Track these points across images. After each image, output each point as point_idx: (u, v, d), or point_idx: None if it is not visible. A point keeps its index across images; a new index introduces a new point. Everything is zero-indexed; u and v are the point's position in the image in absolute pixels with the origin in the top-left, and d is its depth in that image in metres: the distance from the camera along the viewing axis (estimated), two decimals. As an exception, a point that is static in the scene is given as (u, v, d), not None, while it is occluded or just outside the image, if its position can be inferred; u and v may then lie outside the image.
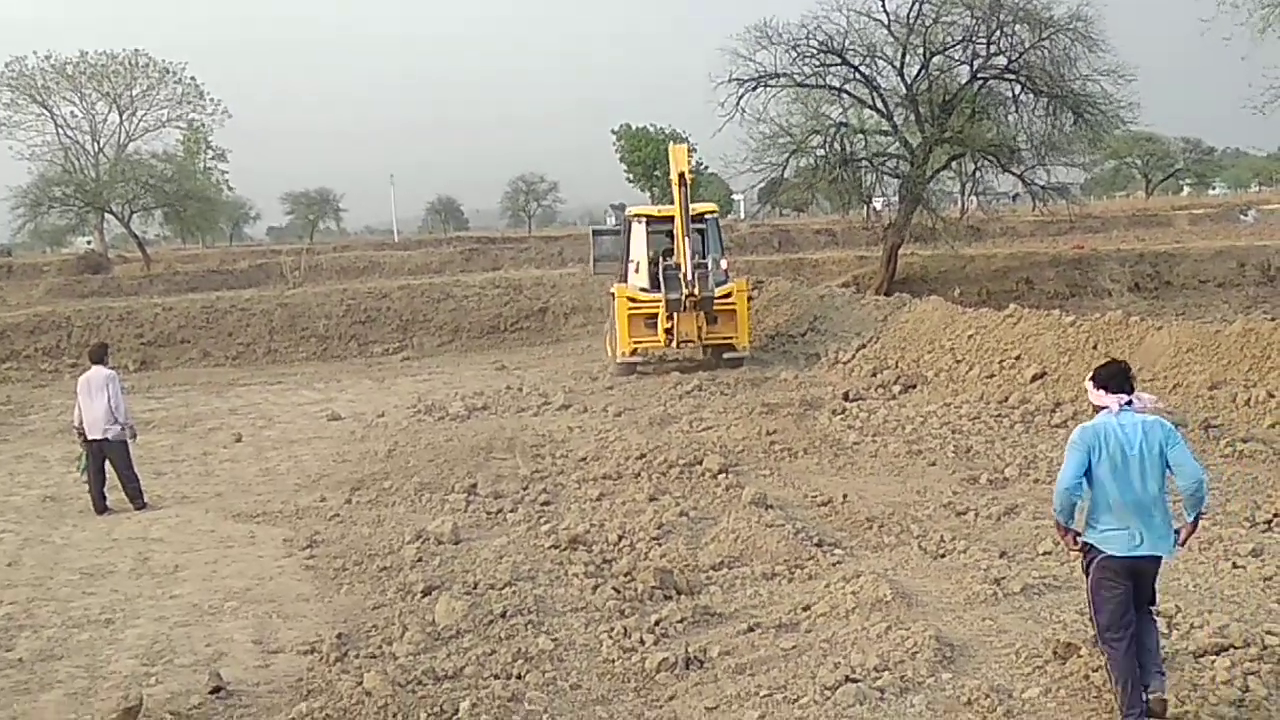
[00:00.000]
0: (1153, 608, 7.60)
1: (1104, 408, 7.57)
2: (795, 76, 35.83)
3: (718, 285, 25.88)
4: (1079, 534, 7.57)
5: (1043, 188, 37.26)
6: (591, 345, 33.15)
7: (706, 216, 27.41)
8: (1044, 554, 11.02)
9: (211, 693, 9.08)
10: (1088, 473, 7.40)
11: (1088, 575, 7.55)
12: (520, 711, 8.11)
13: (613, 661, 9.17)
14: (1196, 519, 7.58)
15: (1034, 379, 19.84)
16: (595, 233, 31.71)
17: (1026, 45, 34.56)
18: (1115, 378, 7.59)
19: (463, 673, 9.07)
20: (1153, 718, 7.20)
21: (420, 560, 12.38)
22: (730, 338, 26.51)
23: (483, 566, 11.93)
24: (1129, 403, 7.54)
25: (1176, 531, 7.53)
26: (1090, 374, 7.79)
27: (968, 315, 24.70)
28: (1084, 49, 33.95)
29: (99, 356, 16.85)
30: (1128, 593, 7.33)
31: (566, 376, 26.92)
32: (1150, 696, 7.22)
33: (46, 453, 20.93)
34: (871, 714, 7.56)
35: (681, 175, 24.73)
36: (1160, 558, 7.50)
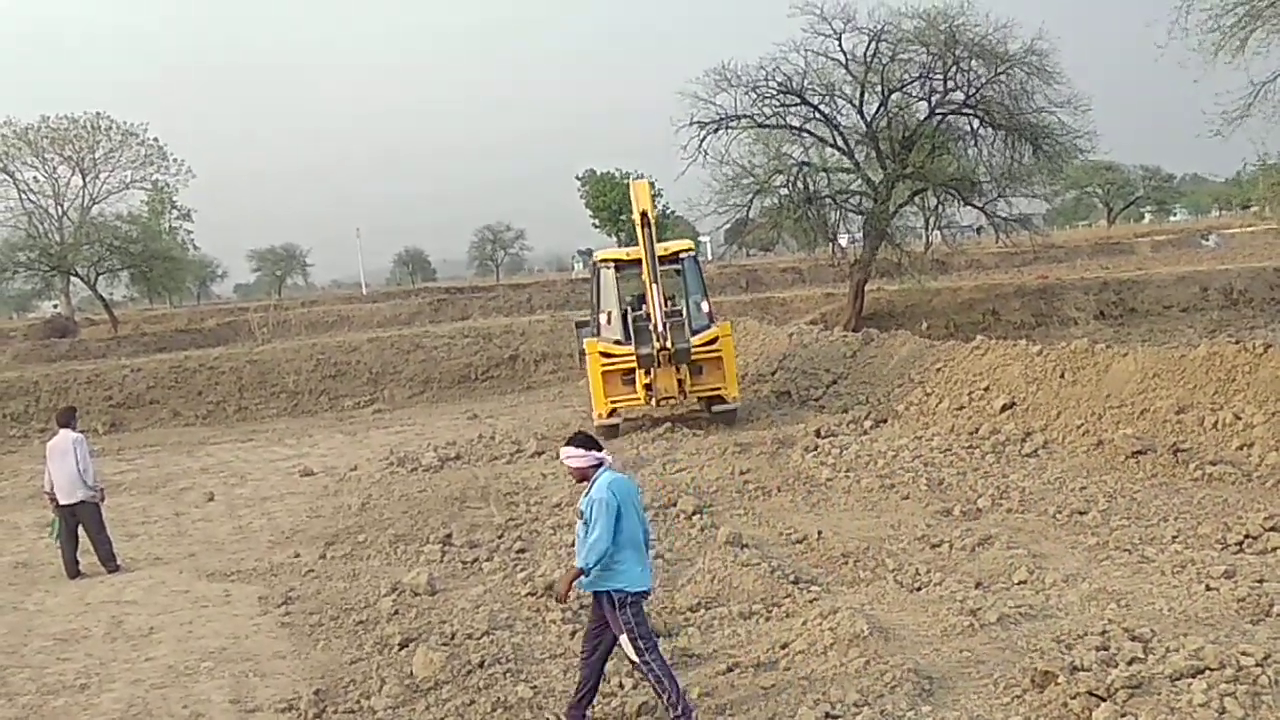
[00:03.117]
0: None
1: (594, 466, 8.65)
2: (756, 118, 36.18)
3: (700, 330, 23.44)
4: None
5: (1005, 219, 37.70)
6: (563, 391, 33.21)
7: (682, 255, 24.85)
8: (1019, 583, 11.06)
9: (189, 754, 9.02)
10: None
11: (620, 610, 8.46)
12: (501, 761, 8.08)
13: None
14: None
15: (1003, 409, 19.94)
16: (578, 325, 27.83)
17: (983, 80, 35.07)
18: (590, 440, 8.73)
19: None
20: None
21: (397, 613, 12.32)
22: (718, 388, 23.69)
23: (460, 616, 11.89)
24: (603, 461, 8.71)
25: None
26: (569, 442, 8.78)
27: (936, 348, 24.82)
28: (1040, 82, 34.58)
29: (66, 420, 16.75)
30: None
31: (539, 423, 26.83)
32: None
33: (17, 519, 20.75)
34: (852, 750, 7.57)
35: (644, 214, 22.23)
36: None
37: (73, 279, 65.01)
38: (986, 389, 21.03)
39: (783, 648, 9.80)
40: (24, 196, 67.21)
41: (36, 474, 21.87)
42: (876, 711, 8.00)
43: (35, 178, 67.56)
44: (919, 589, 11.34)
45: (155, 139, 69.13)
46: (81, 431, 16.91)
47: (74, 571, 15.96)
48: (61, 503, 16.04)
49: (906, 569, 12.02)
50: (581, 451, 8.62)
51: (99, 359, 44.44)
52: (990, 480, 16.03)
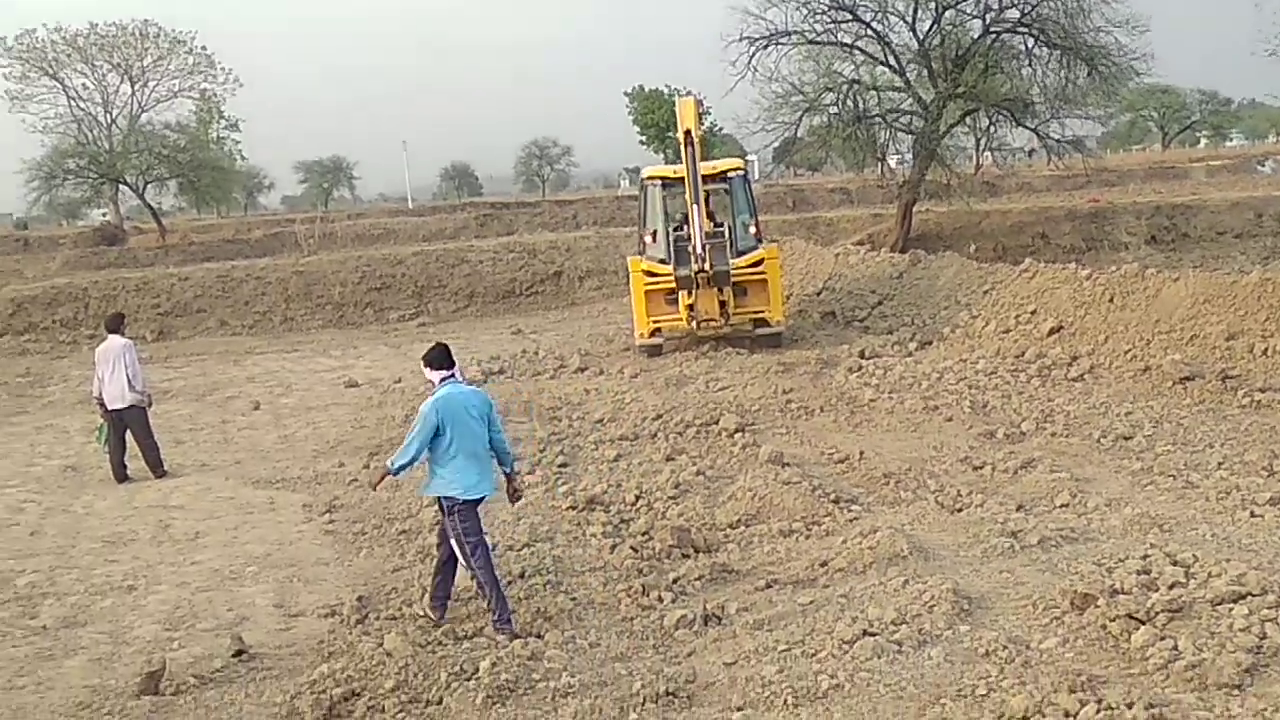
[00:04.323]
0: None
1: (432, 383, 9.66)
2: (806, 34, 35.54)
3: (746, 251, 23.06)
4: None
5: (1058, 141, 37.00)
6: (607, 309, 33.14)
7: (730, 175, 24.19)
8: (1061, 507, 11.02)
9: (234, 656, 9.20)
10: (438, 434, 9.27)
11: (449, 516, 9.36)
12: (540, 670, 8.16)
13: (631, 619, 9.24)
14: (512, 471, 10.01)
15: (1050, 333, 19.78)
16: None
17: (1039, -2, 34.31)
18: (439, 358, 9.73)
19: (482, 632, 9.17)
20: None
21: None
22: (761, 311, 23.24)
23: (501, 528, 12.00)
24: (451, 376, 9.66)
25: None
26: (423, 356, 9.88)
27: (983, 271, 24.63)
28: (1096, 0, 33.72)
29: (115, 326, 16.90)
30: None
31: (582, 339, 26.85)
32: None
33: (66, 423, 21.02)
34: (890, 667, 7.59)
35: (688, 133, 21.51)
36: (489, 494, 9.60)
37: (121, 187, 65.18)
38: (1033, 313, 20.87)
39: (822, 565, 9.83)
40: (73, 104, 67.27)
41: (85, 380, 22.11)
42: (914, 630, 8.01)
43: (84, 85, 67.56)
44: (960, 510, 11.33)
45: (204, 47, 68.82)
46: (130, 338, 17.04)
47: (122, 476, 16.19)
48: (110, 408, 16.23)
49: (948, 490, 12.02)
50: (426, 369, 9.79)
51: (147, 267, 44.69)
52: (1035, 404, 15.93)
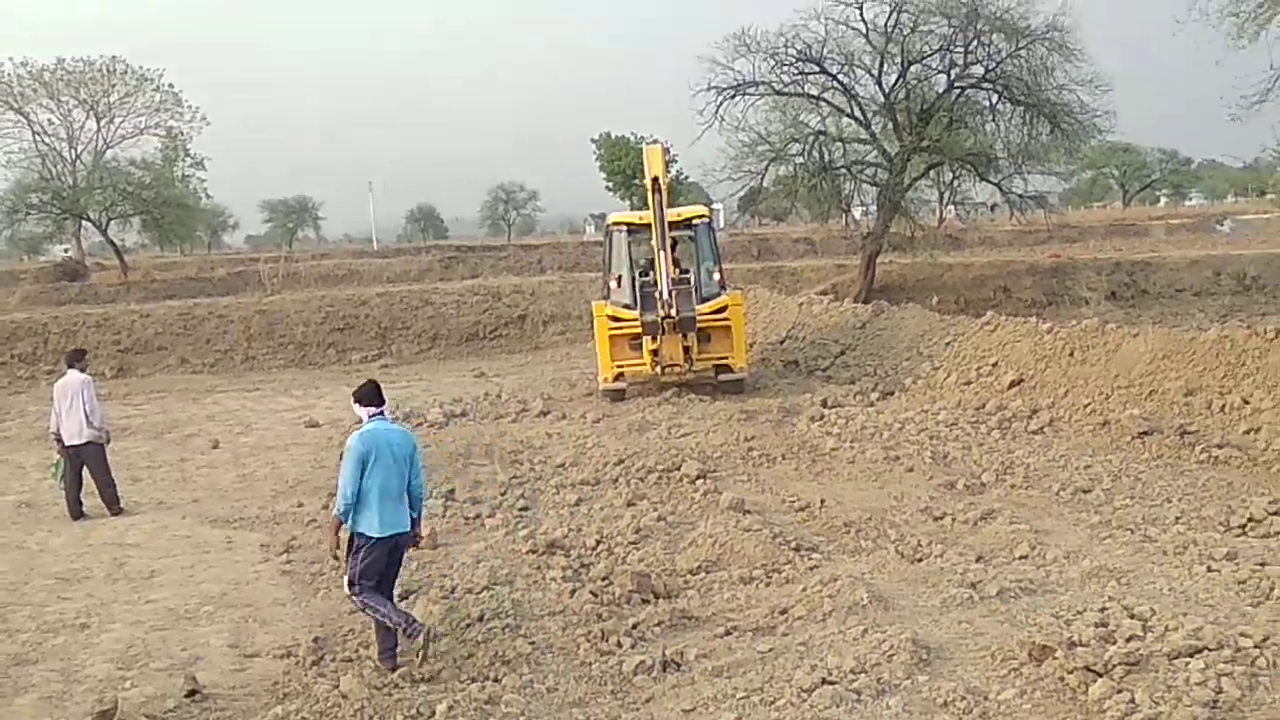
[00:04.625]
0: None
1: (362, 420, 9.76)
2: (774, 85, 35.95)
3: (710, 298, 23.30)
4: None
5: (1020, 196, 37.43)
6: (570, 353, 33.17)
7: (696, 222, 24.49)
8: (1020, 558, 11.06)
9: (187, 696, 9.10)
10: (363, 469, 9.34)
11: (353, 552, 9.43)
12: (497, 714, 8.12)
13: (590, 664, 9.18)
14: (419, 517, 9.95)
15: (1011, 385, 19.92)
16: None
17: (1003, 55, 34.82)
18: (369, 395, 9.82)
19: (440, 675, 9.12)
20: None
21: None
22: (725, 357, 23.52)
23: (460, 571, 11.95)
24: (380, 413, 9.79)
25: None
26: (353, 393, 10.01)
27: (945, 323, 24.80)
28: (1060, 58, 34.23)
29: (74, 361, 16.76)
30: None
31: (545, 383, 26.86)
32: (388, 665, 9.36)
33: (22, 459, 20.81)
34: (848, 716, 7.56)
35: (655, 180, 21.75)
36: (407, 534, 9.71)
37: (84, 223, 64.90)
38: (995, 365, 21.01)
39: (782, 613, 9.81)
40: (38, 138, 66.95)
41: (42, 415, 21.95)
42: (873, 679, 7.99)
43: (50, 120, 67.29)
44: (920, 560, 11.35)
45: (170, 85, 68.81)
46: (90, 375, 16.91)
47: (77, 512, 16.04)
48: (67, 443, 16.09)
49: (908, 540, 12.04)
50: (356, 406, 9.89)
51: (108, 304, 44.41)
52: (995, 455, 16.02)
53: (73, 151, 67.30)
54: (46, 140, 66.71)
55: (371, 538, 9.34)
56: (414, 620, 9.45)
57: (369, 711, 8.17)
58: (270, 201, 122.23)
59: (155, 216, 63.99)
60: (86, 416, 16.04)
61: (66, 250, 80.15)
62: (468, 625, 10.20)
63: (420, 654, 9.22)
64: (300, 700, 8.61)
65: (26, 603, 12.16)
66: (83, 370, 16.55)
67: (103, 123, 67.55)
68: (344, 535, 9.53)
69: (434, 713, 8.06)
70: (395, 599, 9.91)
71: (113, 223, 64.70)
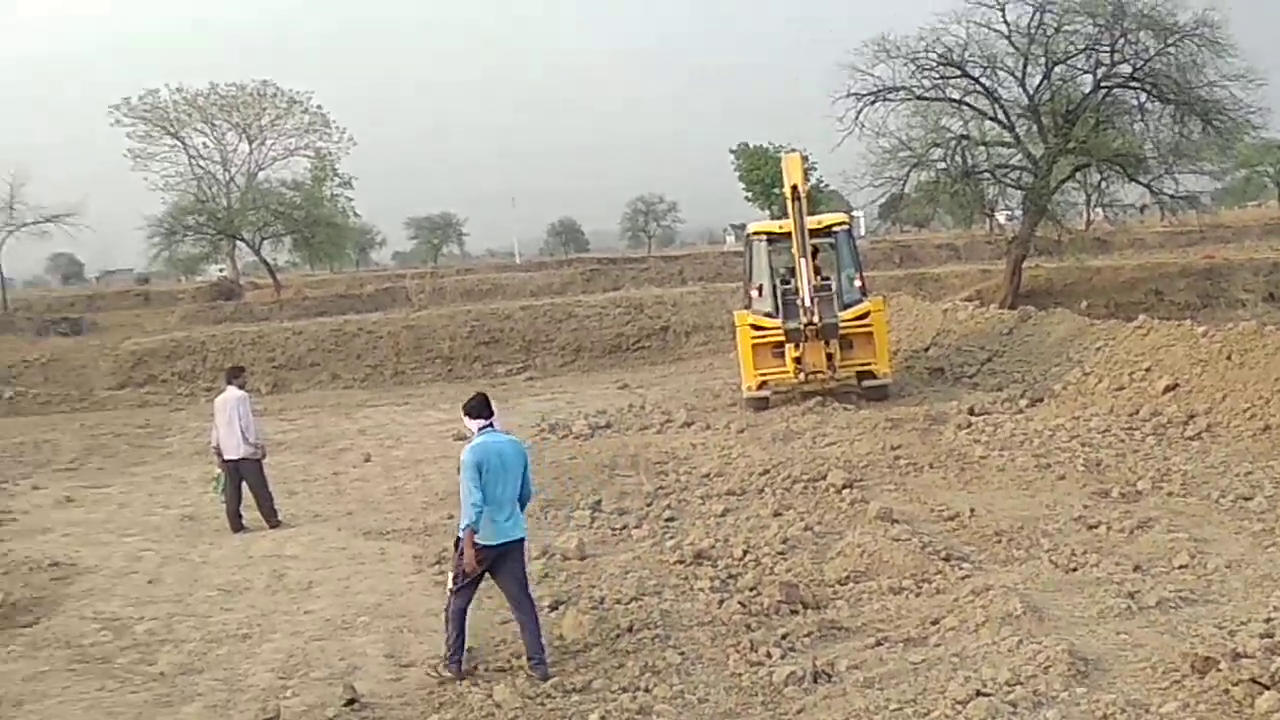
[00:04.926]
0: None
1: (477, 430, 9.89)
2: (915, 89, 35.66)
3: (851, 304, 23.20)
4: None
5: (1171, 197, 36.49)
6: (713, 364, 33.16)
7: (836, 229, 24.50)
8: (1180, 568, 10.76)
9: (346, 705, 9.29)
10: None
11: (459, 552, 9.70)
12: (649, 724, 8.14)
13: (740, 675, 9.16)
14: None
15: (1166, 390, 19.39)
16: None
17: (1151, 53, 34.04)
18: (478, 408, 9.96)
19: (591, 686, 9.17)
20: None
21: (547, 575, 12.48)
22: (868, 363, 23.35)
23: (609, 582, 12.00)
24: (489, 425, 9.92)
25: None
26: (463, 406, 10.22)
27: (1096, 327, 24.30)
28: (1211, 54, 33.29)
29: (232, 378, 17.25)
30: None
31: (689, 394, 26.89)
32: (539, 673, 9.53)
33: (184, 473, 21.49)
34: (1004, 728, 7.45)
35: (794, 188, 21.94)
36: (523, 540, 10.02)
37: (238, 243, 66.85)
38: (1148, 370, 20.49)
39: (933, 624, 9.70)
40: (194, 162, 69.21)
41: (202, 431, 22.63)
42: (1029, 691, 7.86)
43: (204, 144, 69.52)
44: (1074, 570, 11.10)
45: (319, 106, 70.59)
46: (247, 391, 17.35)
47: (237, 525, 16.48)
48: (226, 458, 16.56)
49: (1062, 549, 11.77)
50: (466, 419, 10.06)
51: (262, 321, 45.69)
52: (1150, 462, 15.60)
53: (226, 174, 69.48)
54: (201, 163, 68.94)
55: (478, 545, 9.61)
56: (459, 659, 9.78)
57: (522, 720, 8.26)
58: (415, 219, 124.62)
59: (306, 235, 65.72)
60: (242, 433, 16.50)
61: (221, 270, 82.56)
62: (617, 636, 10.26)
63: (438, 674, 9.77)
64: (455, 709, 8.76)
65: (191, 613, 12.55)
66: (241, 387, 17.00)
67: (254, 145, 69.66)
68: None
69: (586, 722, 8.12)
70: (534, 603, 10.20)
71: (265, 242, 66.59)
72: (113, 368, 35.32)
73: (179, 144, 68.71)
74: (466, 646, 10.30)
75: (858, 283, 24.04)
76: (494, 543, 9.67)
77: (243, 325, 43.17)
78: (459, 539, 9.68)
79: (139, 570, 14.60)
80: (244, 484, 16.65)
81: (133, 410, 31.87)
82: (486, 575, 9.90)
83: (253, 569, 14.31)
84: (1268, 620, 8.46)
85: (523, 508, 10.08)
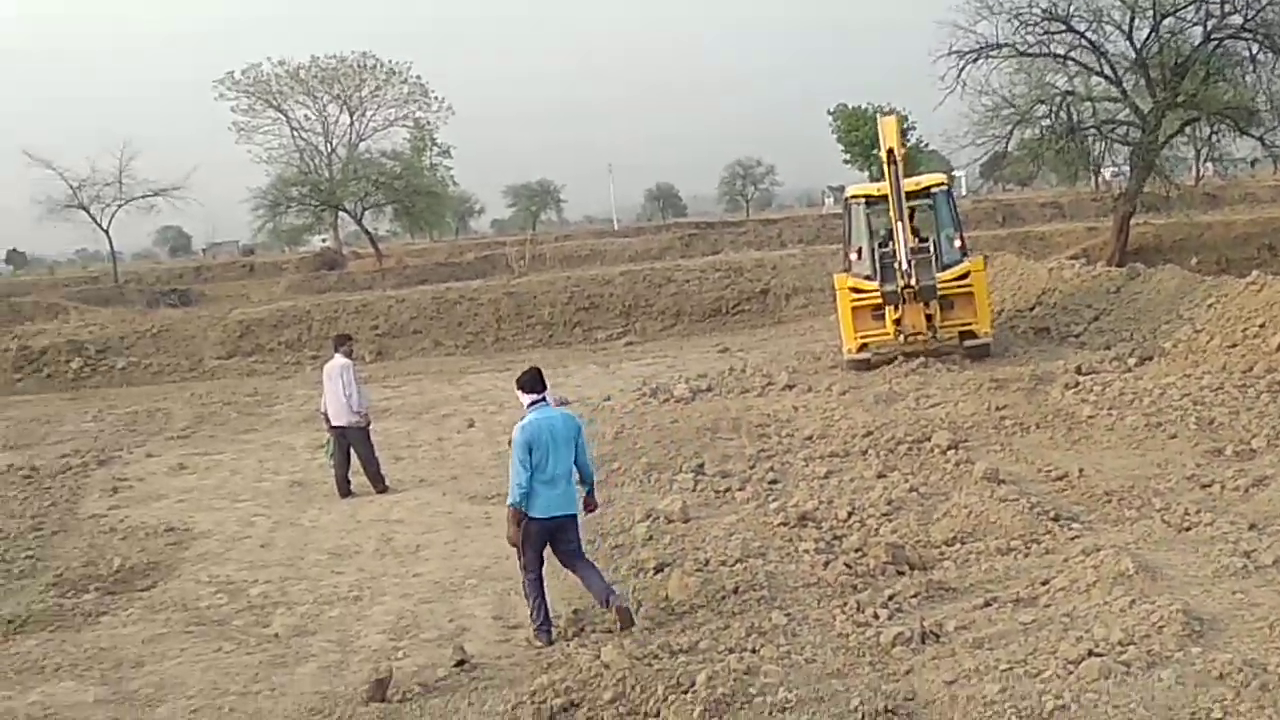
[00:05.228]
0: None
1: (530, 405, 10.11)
2: (1018, 46, 35.11)
3: (951, 265, 23.12)
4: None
5: (1284, 149, 35.56)
6: (814, 326, 32.96)
7: (934, 190, 24.44)
8: (1298, 527, 10.50)
9: (456, 665, 9.44)
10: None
11: (518, 525, 9.91)
12: (756, 684, 8.12)
13: (847, 636, 9.13)
14: (591, 490, 10.54)
15: (1280, 347, 18.94)
16: None
17: (1264, 2, 33.04)
18: (530, 383, 10.20)
19: (698, 646, 9.19)
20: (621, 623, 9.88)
21: (651, 538, 12.53)
22: (969, 323, 23.21)
23: (713, 544, 12.01)
24: (541, 400, 10.15)
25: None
26: (516, 380, 10.46)
27: (1206, 284, 23.78)
28: (1325, 2, 32.31)
29: (339, 345, 17.48)
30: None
31: (789, 357, 26.75)
32: (615, 606, 9.95)
33: (292, 440, 21.86)
34: (1118, 688, 7.33)
35: (890, 151, 21.98)
36: (575, 515, 10.22)
37: (341, 214, 67.69)
38: (1262, 326, 19.99)
39: (1043, 584, 9.57)
40: (296, 134, 70.07)
41: (308, 399, 23.05)
42: (1143, 651, 7.73)
43: (306, 115, 70.33)
44: (1188, 529, 10.89)
45: (418, 77, 71.04)
46: (352, 358, 17.56)
47: (345, 490, 16.75)
48: (333, 424, 16.83)
49: (1174, 508, 11.55)
50: (519, 393, 10.30)
51: (365, 290, 46.24)
52: (1265, 420, 15.18)
53: (328, 145, 70.23)
54: (303, 135, 69.77)
55: (529, 517, 9.86)
56: (547, 628, 10.01)
57: (630, 681, 8.29)
58: (514, 186, 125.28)
59: (406, 205, 66.42)
60: (347, 400, 16.72)
61: (324, 240, 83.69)
62: (723, 597, 10.28)
63: (531, 645, 9.97)
64: (564, 670, 8.82)
65: (303, 576, 12.81)
66: (347, 354, 17.21)
67: (355, 116, 70.30)
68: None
69: (694, 682, 8.12)
70: (595, 567, 10.53)
71: (366, 212, 67.31)
72: (221, 338, 35.94)
73: (281, 116, 69.58)
74: (573, 609, 10.41)
75: (957, 243, 23.93)
76: (546, 516, 9.92)
77: (346, 294, 43.71)
78: (517, 524, 9.94)
79: (251, 535, 14.93)
80: (351, 450, 16.90)
81: (241, 379, 32.51)
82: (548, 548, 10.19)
83: (361, 533, 14.56)
84: (1390, 579, 8.24)
85: (586, 482, 10.38)
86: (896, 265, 21.63)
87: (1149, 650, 7.74)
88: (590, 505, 10.73)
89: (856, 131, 79.71)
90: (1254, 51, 34.29)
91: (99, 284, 61.81)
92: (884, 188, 22.80)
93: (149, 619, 11.74)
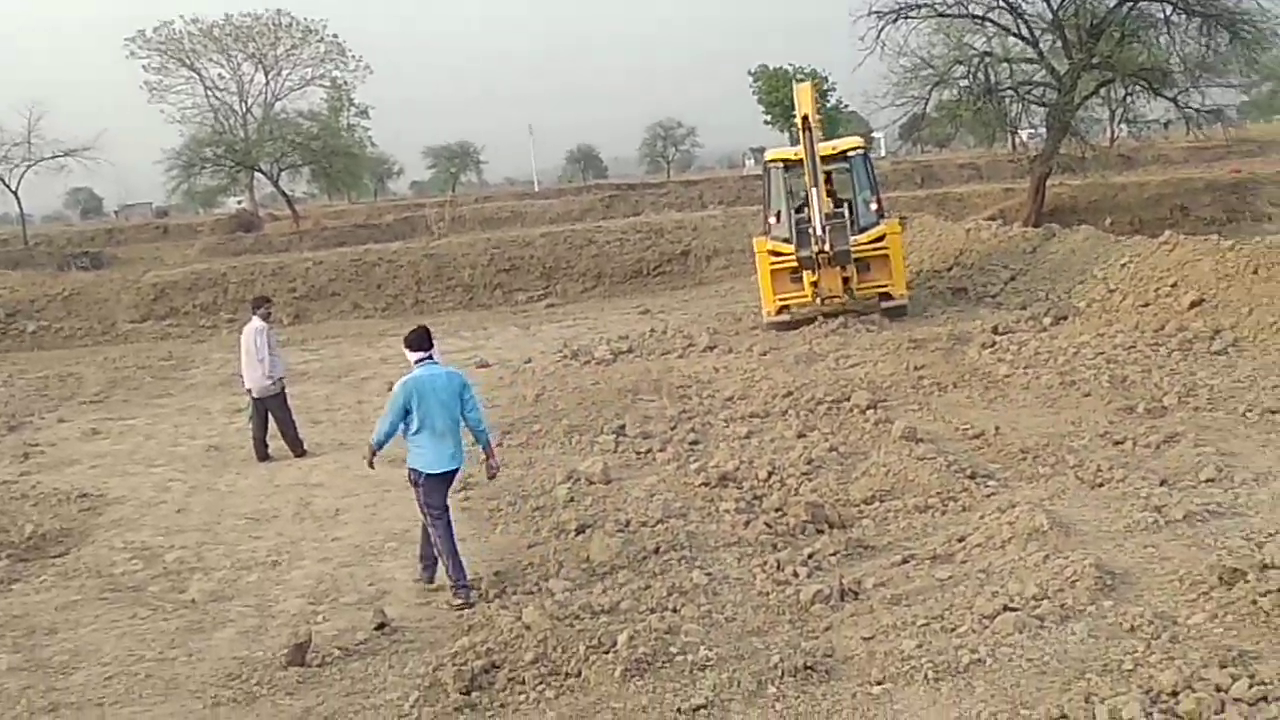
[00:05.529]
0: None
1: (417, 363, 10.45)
2: (937, 6, 35.11)
3: (869, 227, 23.53)
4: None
5: (1197, 111, 35.96)
6: (734, 287, 33.04)
7: (851, 154, 24.77)
8: (1206, 481, 10.68)
9: (376, 629, 9.41)
10: (408, 411, 10.18)
11: (414, 486, 10.43)
12: (677, 643, 8.17)
13: (767, 594, 9.21)
14: (487, 446, 10.83)
15: (1191, 306, 19.26)
16: None
17: (1178, -36, 33.36)
18: (417, 341, 10.55)
19: (619, 607, 9.22)
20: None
21: (572, 500, 12.54)
22: (885, 285, 23.64)
23: (634, 505, 12.06)
24: (428, 357, 10.49)
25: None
26: (403, 339, 10.78)
27: (1120, 244, 24.11)
28: (1238, -36, 32.68)
29: (256, 308, 17.23)
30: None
31: (710, 318, 26.82)
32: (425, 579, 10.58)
33: (208, 404, 21.60)
34: (1032, 642, 7.47)
35: (805, 118, 21.97)
36: (457, 470, 10.60)
37: (256, 175, 66.77)
38: (1174, 285, 20.34)
39: (959, 541, 9.72)
40: (210, 94, 69.04)
41: (225, 363, 22.76)
42: (1056, 605, 7.87)
43: (220, 75, 69.31)
44: (1101, 485, 11.07)
45: (335, 35, 70.23)
46: (269, 321, 17.28)
47: (263, 455, 16.59)
48: (247, 387, 16.66)
49: (1088, 465, 11.73)
50: (407, 351, 10.64)
51: (282, 253, 45.76)
52: (1176, 378, 15.47)
53: (243, 105, 69.28)
54: (218, 95, 68.78)
55: (423, 473, 10.31)
56: (464, 584, 10.10)
57: (552, 642, 8.31)
58: (433, 148, 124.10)
59: (324, 166, 65.68)
60: (258, 364, 16.54)
61: (240, 202, 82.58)
62: (644, 558, 10.33)
63: (458, 609, 9.91)
64: (485, 632, 8.81)
65: (220, 541, 12.68)
66: (265, 317, 16.94)
67: (270, 75, 69.45)
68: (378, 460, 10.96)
69: (615, 643, 8.15)
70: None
71: (283, 173, 66.42)
72: (134, 301, 35.33)
73: (195, 75, 68.56)
74: (494, 571, 10.41)
75: (874, 206, 24.27)
76: (439, 470, 10.35)
77: (263, 257, 43.16)
78: (413, 470, 10.39)
79: (167, 500, 14.74)
80: (268, 414, 16.73)
81: (155, 343, 32.03)
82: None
83: (279, 497, 14.43)
84: (1296, 532, 8.43)
85: (480, 439, 10.75)
86: (811, 230, 21.83)
87: (1062, 604, 7.88)
88: (490, 467, 11.07)
89: (776, 93, 79.79)
90: (1168, 14, 34.55)
91: (8, 246, 60.39)
92: (802, 152, 22.84)
93: (62, 586, 11.56)
